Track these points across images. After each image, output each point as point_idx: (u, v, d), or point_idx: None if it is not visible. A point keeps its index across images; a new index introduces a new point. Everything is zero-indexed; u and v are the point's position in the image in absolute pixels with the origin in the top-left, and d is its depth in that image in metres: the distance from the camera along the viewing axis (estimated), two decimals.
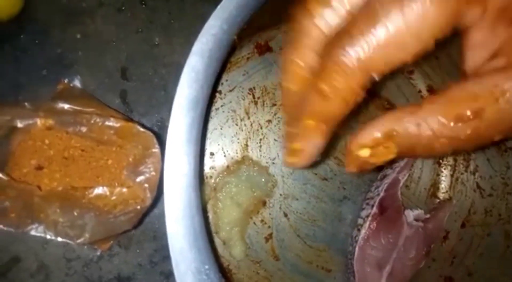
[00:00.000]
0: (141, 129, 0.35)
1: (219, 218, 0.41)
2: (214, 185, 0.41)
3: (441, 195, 0.47)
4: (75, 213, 0.33)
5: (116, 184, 0.36)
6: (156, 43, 0.42)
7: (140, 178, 0.35)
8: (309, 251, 0.43)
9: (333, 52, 0.20)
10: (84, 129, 0.36)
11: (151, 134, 0.35)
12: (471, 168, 0.44)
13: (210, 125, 0.42)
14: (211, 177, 0.41)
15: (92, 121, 0.35)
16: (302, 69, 0.24)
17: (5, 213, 0.33)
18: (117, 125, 0.35)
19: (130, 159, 0.36)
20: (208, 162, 0.41)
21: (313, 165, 0.43)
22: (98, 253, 0.39)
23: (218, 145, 0.42)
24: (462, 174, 0.45)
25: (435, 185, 0.47)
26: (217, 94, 0.42)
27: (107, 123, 0.35)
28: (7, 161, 0.35)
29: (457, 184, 0.46)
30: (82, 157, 0.36)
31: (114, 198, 0.34)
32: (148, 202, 0.34)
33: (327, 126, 0.24)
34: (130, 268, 0.39)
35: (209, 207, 0.41)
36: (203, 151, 0.41)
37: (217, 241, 0.41)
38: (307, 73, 0.24)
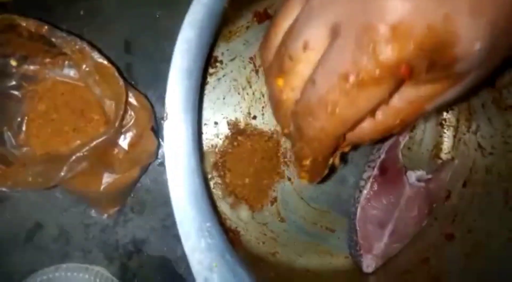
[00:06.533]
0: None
1: (225, 183, 0.43)
2: (219, 153, 0.43)
3: (444, 156, 0.47)
4: None
5: None
6: (157, 16, 0.43)
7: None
8: (313, 212, 0.45)
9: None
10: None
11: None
12: (473, 127, 0.45)
13: (213, 95, 0.43)
14: (216, 145, 0.43)
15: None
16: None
17: None
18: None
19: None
20: (212, 131, 0.43)
21: None
22: (114, 219, 0.41)
23: (222, 114, 0.43)
24: (464, 134, 0.46)
25: (437, 146, 0.47)
26: (218, 64, 0.43)
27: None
28: None
29: (459, 144, 0.46)
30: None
31: None
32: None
33: (323, 159, 0.28)
34: (144, 232, 0.42)
35: (215, 174, 0.43)
36: (200, 119, 0.42)
37: (225, 205, 0.43)
38: None
